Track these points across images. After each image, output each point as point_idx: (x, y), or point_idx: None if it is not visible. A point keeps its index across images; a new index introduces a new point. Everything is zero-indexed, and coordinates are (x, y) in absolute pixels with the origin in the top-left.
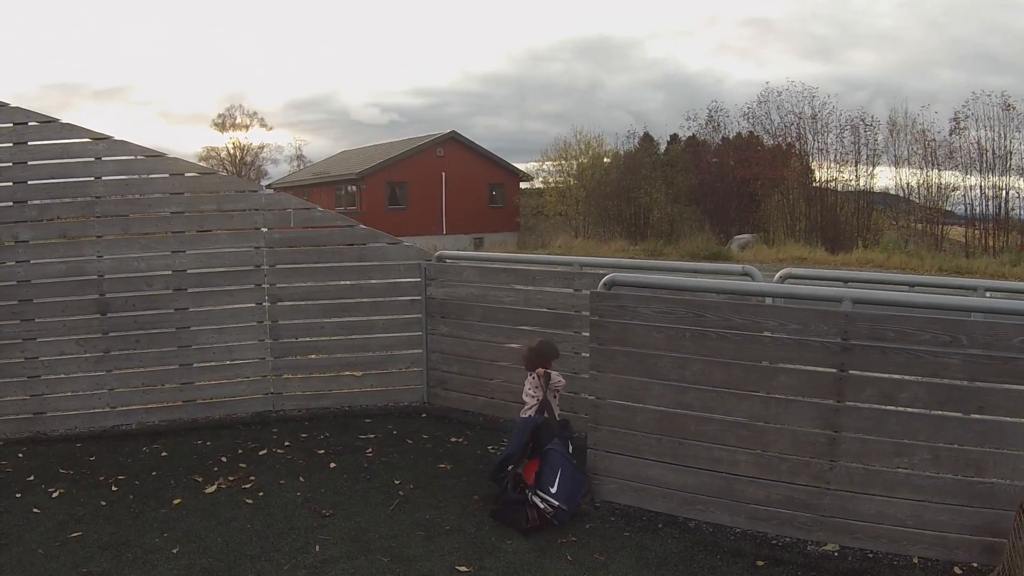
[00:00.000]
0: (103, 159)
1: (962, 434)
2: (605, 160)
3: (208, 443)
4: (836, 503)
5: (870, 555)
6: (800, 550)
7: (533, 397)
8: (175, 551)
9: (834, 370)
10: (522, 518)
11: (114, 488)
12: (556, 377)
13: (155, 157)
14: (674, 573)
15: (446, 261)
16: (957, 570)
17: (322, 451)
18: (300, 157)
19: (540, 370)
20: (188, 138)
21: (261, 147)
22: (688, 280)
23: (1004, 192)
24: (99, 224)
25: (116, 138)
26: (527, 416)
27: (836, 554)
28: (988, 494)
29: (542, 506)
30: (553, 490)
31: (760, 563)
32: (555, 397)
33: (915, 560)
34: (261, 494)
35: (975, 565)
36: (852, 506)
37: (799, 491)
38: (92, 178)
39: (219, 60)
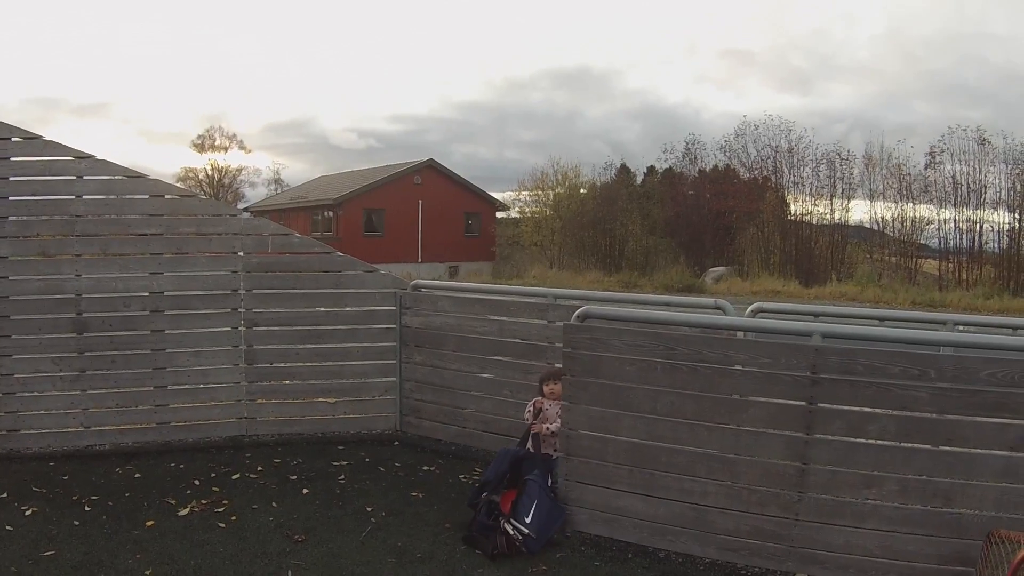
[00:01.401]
0: (85, 178)
1: (930, 465)
2: (582, 191)
3: (181, 466)
4: (805, 534)
5: None
6: None
7: (525, 417)
8: (148, 573)
9: (803, 403)
10: (490, 544)
11: (87, 508)
12: (550, 416)
13: (136, 178)
14: None
15: (421, 290)
16: None
17: (295, 476)
18: (278, 180)
19: (538, 399)
20: (167, 157)
21: (239, 169)
22: (660, 313)
23: (978, 226)
24: (79, 243)
25: (98, 157)
26: (507, 448)
27: None
28: (956, 524)
29: (512, 533)
30: (527, 519)
31: None
32: (549, 433)
33: None
34: (234, 518)
35: None
36: (821, 536)
37: (769, 522)
38: (73, 196)
39: (199, 80)
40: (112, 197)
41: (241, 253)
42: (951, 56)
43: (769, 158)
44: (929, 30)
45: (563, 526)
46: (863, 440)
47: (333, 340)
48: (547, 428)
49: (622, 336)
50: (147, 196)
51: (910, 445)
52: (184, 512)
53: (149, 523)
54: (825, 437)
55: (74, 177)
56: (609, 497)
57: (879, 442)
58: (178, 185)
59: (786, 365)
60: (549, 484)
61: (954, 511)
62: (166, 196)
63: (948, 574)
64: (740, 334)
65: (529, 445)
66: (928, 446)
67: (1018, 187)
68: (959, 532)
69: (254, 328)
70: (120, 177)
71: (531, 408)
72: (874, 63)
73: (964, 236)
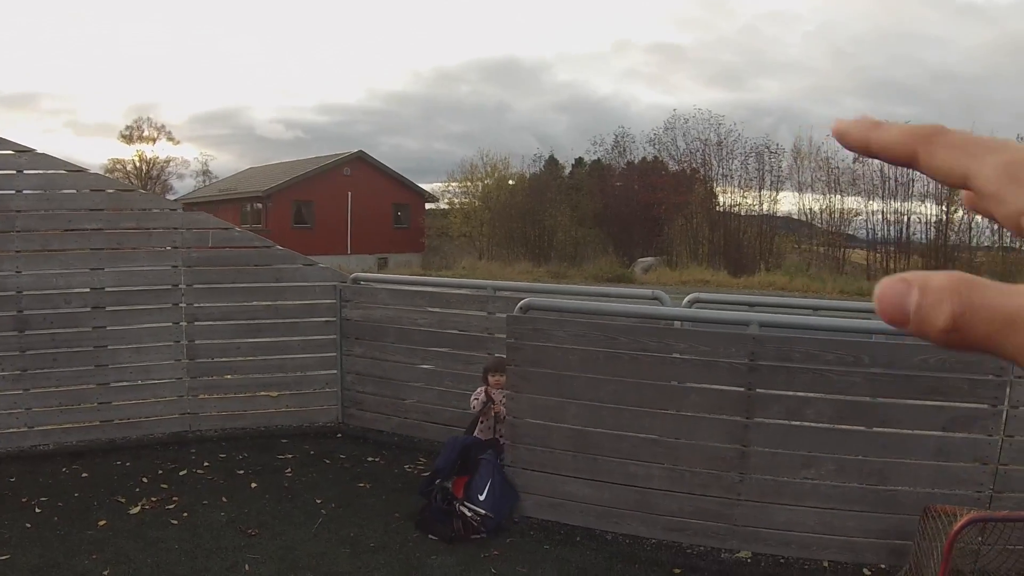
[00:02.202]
0: (25, 172)
1: (866, 446)
2: (510, 183)
3: (128, 463)
4: (748, 513)
5: (782, 560)
6: (715, 558)
7: (472, 404)
8: (105, 573)
9: (743, 389)
10: (448, 528)
11: (38, 510)
12: (497, 400)
13: (77, 172)
14: None
15: (361, 283)
16: (866, 571)
17: (242, 471)
18: (206, 172)
19: (487, 388)
20: (94, 149)
21: (167, 161)
22: (602, 304)
23: (906, 217)
24: (19, 239)
25: (39, 151)
26: (455, 436)
27: (749, 560)
28: (892, 500)
29: (469, 515)
30: (482, 498)
31: (677, 571)
32: (496, 418)
33: (825, 564)
34: (186, 514)
35: (883, 566)
36: (763, 515)
37: (712, 502)
38: (13, 192)
39: (124, 68)
40: (54, 192)
41: (181, 248)
42: (881, 54)
43: (698, 151)
44: (861, 28)
45: (513, 509)
46: (801, 423)
47: (274, 334)
48: (503, 411)
49: (565, 327)
50: (88, 191)
51: (846, 427)
52: (135, 510)
53: (102, 522)
54: (764, 421)
55: (14, 172)
56: (555, 483)
57: (816, 425)
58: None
59: (725, 353)
60: (499, 463)
61: (890, 488)
62: (106, 191)
63: (887, 547)
64: (677, 323)
65: (477, 432)
66: (863, 427)
67: None
68: (895, 508)
69: (195, 323)
70: (61, 172)
71: (481, 397)
72: (804, 59)
73: (892, 227)
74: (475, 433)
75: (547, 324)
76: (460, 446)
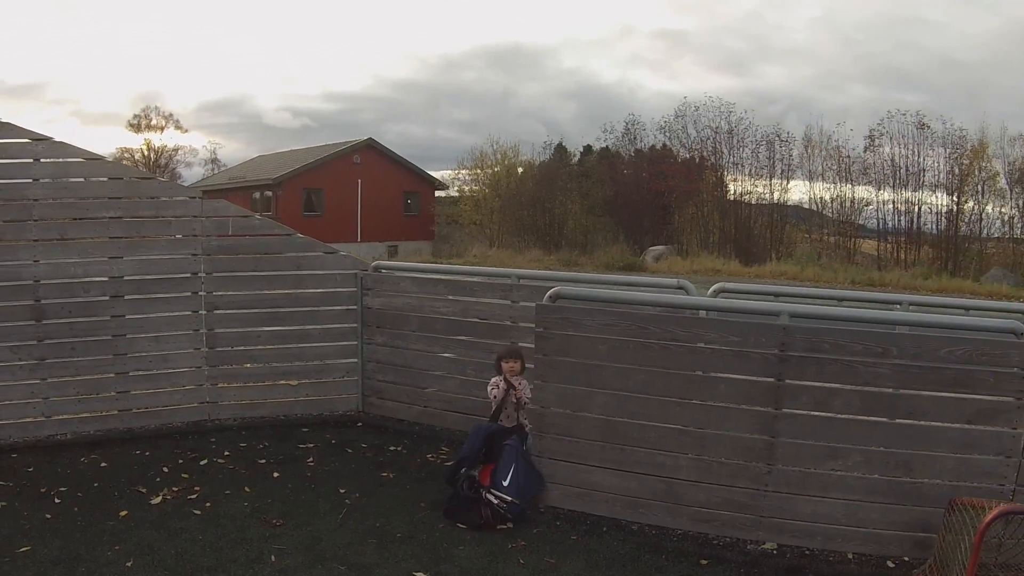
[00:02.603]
0: (42, 161)
1: (892, 438)
2: (519, 170)
3: (147, 453)
4: (774, 504)
5: (807, 552)
6: (741, 549)
7: (490, 394)
8: (129, 564)
9: (772, 379)
10: (476, 515)
11: (57, 500)
12: (519, 387)
13: (95, 160)
14: (623, 573)
15: (382, 271)
16: (890, 564)
17: (263, 460)
18: (215, 160)
19: (503, 375)
20: (101, 139)
21: (175, 149)
22: (631, 293)
23: (916, 207)
24: (36, 228)
25: (56, 140)
26: (479, 424)
27: (775, 552)
28: (917, 493)
29: (496, 502)
30: (506, 483)
31: (704, 562)
32: (517, 404)
33: (850, 556)
34: (208, 504)
35: (907, 559)
36: (789, 506)
37: (739, 493)
38: (30, 180)
39: (127, 59)
40: (70, 180)
41: (201, 236)
42: (887, 40)
43: (709, 139)
44: (866, 14)
45: (537, 498)
46: (828, 414)
47: (294, 322)
48: (525, 398)
49: (593, 316)
50: (106, 179)
51: (873, 419)
52: (157, 500)
53: (123, 513)
54: (793, 411)
55: (31, 160)
56: (582, 472)
57: (844, 416)
58: (124, 165)
59: (755, 343)
60: (524, 448)
61: (915, 480)
62: (124, 178)
63: (911, 540)
64: (702, 313)
65: (502, 420)
66: (889, 419)
67: (956, 171)
68: (920, 500)
69: (215, 311)
70: (79, 160)
71: (501, 385)
72: (810, 46)
73: (902, 217)
74: (500, 421)
75: (576, 313)
76: (485, 434)
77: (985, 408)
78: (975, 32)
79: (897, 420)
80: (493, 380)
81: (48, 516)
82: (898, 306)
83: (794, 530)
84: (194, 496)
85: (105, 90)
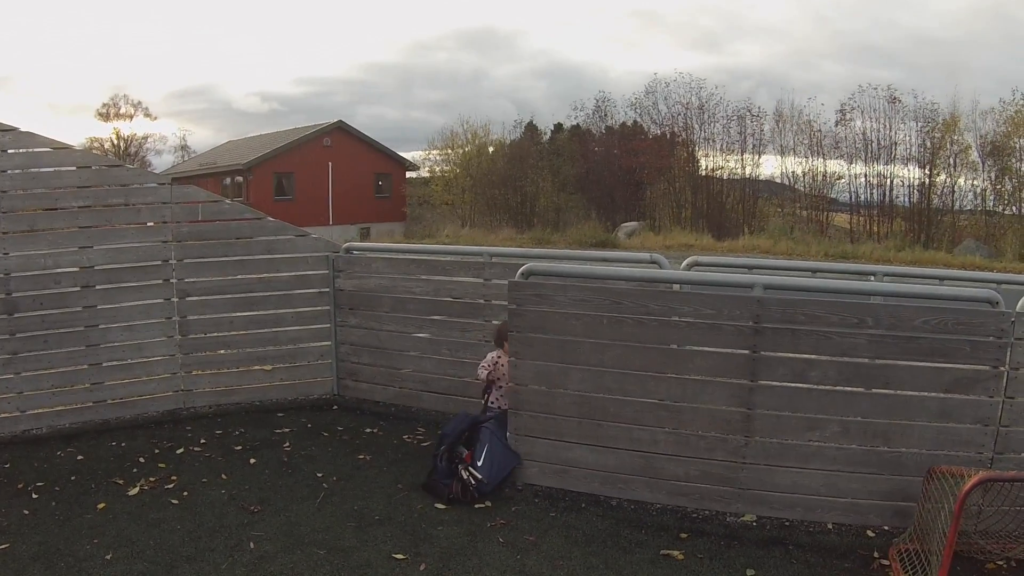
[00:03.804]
0: (9, 152)
1: (870, 408)
2: (490, 149)
3: (123, 444)
4: (753, 476)
5: (787, 523)
6: (720, 521)
7: (482, 371)
8: (108, 557)
9: (747, 351)
10: (445, 490)
11: (35, 496)
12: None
13: (63, 150)
14: (603, 549)
15: (354, 253)
16: (870, 533)
17: (239, 447)
18: (184, 147)
19: (498, 352)
20: (73, 129)
21: (145, 137)
22: (605, 268)
23: (888, 180)
24: (5, 219)
25: (23, 130)
26: (468, 412)
27: (755, 524)
28: (896, 462)
29: (466, 478)
30: (479, 463)
31: (684, 535)
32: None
33: (830, 526)
34: (186, 493)
35: (886, 528)
36: (768, 478)
37: (717, 466)
38: None
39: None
40: (39, 170)
41: (171, 222)
42: (860, 18)
43: (680, 115)
44: None
45: (512, 476)
46: (805, 385)
47: (267, 307)
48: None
49: (567, 292)
50: (74, 168)
51: (850, 389)
52: (134, 491)
53: (101, 506)
54: (769, 383)
55: None
56: (559, 449)
57: (821, 387)
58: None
59: (729, 316)
60: (504, 432)
61: (894, 450)
62: (93, 167)
63: (890, 509)
64: (676, 286)
65: (493, 399)
66: (866, 389)
67: (928, 144)
68: (899, 470)
69: (187, 298)
70: (47, 149)
71: (489, 365)
72: (783, 23)
73: (875, 191)
74: (491, 400)
75: (549, 289)
76: (471, 420)
77: (962, 377)
78: (951, 9)
79: (874, 390)
80: (488, 356)
81: (26, 512)
82: (872, 277)
83: (773, 502)
84: (171, 485)
85: (76, 80)
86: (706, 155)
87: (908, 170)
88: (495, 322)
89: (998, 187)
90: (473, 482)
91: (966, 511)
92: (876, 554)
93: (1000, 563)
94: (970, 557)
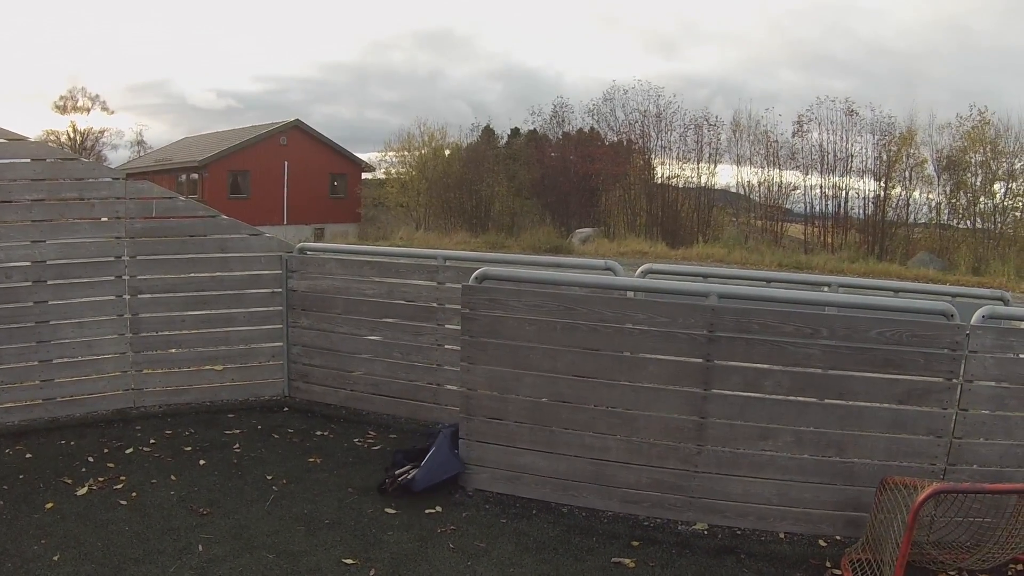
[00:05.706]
0: None
1: (823, 418)
2: (446, 152)
3: (72, 443)
4: (705, 485)
5: (738, 532)
6: (672, 530)
7: None
8: (56, 558)
9: (701, 360)
10: (384, 482)
11: None
12: None
13: (17, 141)
14: (554, 556)
15: (308, 253)
16: (822, 543)
17: (189, 448)
18: (141, 142)
19: None
20: (28, 120)
21: (101, 132)
22: (560, 274)
23: (844, 192)
24: None
25: None
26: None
27: (706, 533)
28: (849, 472)
29: (399, 473)
30: (422, 461)
31: (635, 543)
32: None
33: (782, 535)
34: (134, 494)
35: (838, 537)
36: (720, 487)
37: (669, 474)
38: None
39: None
40: None
41: (124, 218)
42: (817, 26)
43: (637, 122)
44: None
45: (457, 479)
46: (759, 395)
47: (219, 306)
48: None
49: (521, 297)
50: (28, 160)
51: (804, 399)
52: (83, 491)
53: (48, 505)
54: (722, 392)
55: None
56: (511, 455)
57: (774, 396)
58: (48, 146)
59: (684, 324)
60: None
61: (847, 460)
62: (48, 160)
63: (843, 519)
64: (630, 294)
65: None
66: (820, 399)
67: (884, 157)
68: (852, 480)
69: (139, 296)
70: (1, 140)
71: None
72: (740, 30)
73: (830, 202)
74: None
75: (503, 294)
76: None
77: (916, 388)
78: (906, 19)
79: (828, 400)
80: None
81: None
82: (827, 287)
83: (725, 510)
84: (120, 486)
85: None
86: (662, 163)
87: (864, 182)
88: (448, 326)
89: (953, 201)
90: (407, 477)
91: (919, 521)
92: (828, 563)
93: (952, 573)
94: (923, 567)
